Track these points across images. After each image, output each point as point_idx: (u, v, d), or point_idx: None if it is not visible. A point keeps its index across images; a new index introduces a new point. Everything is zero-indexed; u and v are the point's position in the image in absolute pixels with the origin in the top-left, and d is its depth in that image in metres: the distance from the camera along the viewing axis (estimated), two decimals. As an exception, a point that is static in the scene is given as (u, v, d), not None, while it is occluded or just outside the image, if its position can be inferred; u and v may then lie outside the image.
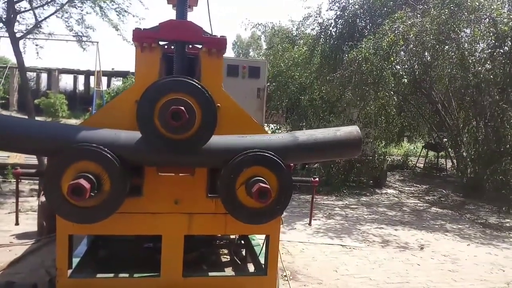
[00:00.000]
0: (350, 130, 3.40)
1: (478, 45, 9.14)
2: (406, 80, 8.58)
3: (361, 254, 5.72)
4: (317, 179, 3.87)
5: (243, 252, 4.98)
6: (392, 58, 8.28)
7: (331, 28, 11.84)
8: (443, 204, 9.80)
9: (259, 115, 5.41)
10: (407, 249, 6.03)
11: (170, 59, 3.63)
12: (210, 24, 4.13)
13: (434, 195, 10.92)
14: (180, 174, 3.41)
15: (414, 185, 12.47)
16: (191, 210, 3.47)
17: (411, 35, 8.49)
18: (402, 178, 13.78)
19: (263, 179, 3.06)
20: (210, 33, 3.71)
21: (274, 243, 3.70)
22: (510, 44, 8.64)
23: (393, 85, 8.34)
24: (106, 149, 2.92)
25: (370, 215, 8.11)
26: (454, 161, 11.70)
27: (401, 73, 8.36)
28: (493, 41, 8.97)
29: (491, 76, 8.67)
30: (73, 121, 22.07)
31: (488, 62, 9.10)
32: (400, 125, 14.14)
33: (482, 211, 9.12)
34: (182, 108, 2.88)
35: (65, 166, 2.89)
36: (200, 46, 3.60)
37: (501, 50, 8.86)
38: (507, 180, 8.10)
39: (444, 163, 15.81)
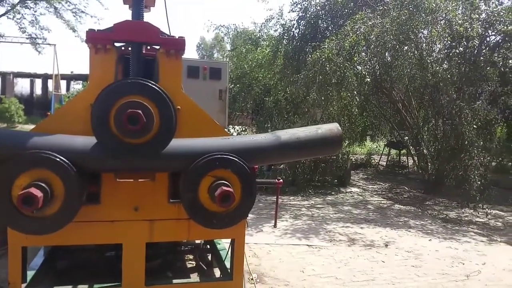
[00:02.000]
0: (331, 127, 3.43)
1: (435, 46, 9.41)
2: (369, 80, 8.72)
3: (328, 253, 5.74)
4: (281, 180, 3.87)
5: (209, 257, 4.90)
6: (355, 58, 8.39)
7: (293, 29, 11.92)
8: (406, 201, 10.03)
9: (222, 117, 5.32)
10: (372, 247, 6.11)
11: (127, 61, 3.51)
12: (168, 25, 4.03)
13: (397, 192, 11.18)
14: (140, 180, 3.29)
15: (378, 183, 12.73)
16: (152, 216, 3.35)
17: (372, 36, 8.65)
18: (365, 176, 14.04)
19: (226, 182, 3.00)
20: (168, 33, 3.61)
21: (239, 247, 3.64)
22: (465, 44, 8.93)
23: (356, 85, 8.46)
24: (59, 156, 2.77)
25: (336, 214, 8.19)
26: (415, 158, 12.02)
27: (363, 73, 8.47)
28: (449, 42, 9.27)
29: (448, 76, 8.94)
30: (30, 127, 21.28)
31: (445, 62, 9.38)
32: (362, 124, 14.43)
33: (442, 207, 9.40)
34: (139, 111, 2.78)
35: (15, 174, 2.72)
36: (158, 47, 3.50)
37: (457, 51, 9.15)
38: (467, 175, 8.35)
39: (406, 160, 16.24)
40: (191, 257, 5.06)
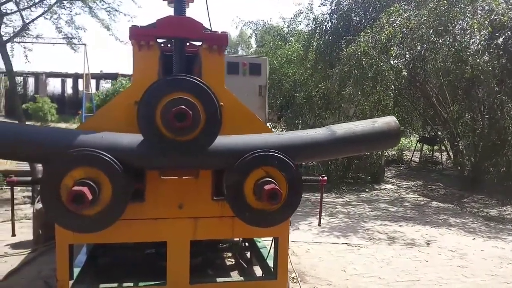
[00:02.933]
0: (388, 121, 3.33)
1: (475, 37, 9.04)
2: (405, 73, 8.47)
3: (368, 252, 5.59)
4: (325, 178, 3.75)
5: (248, 255, 4.84)
6: (391, 52, 8.15)
7: (325, 23, 11.70)
8: (443, 198, 9.72)
9: (262, 113, 5.24)
10: (414, 246, 5.91)
11: (167, 57, 3.48)
12: (209, 20, 3.96)
13: (433, 189, 10.85)
14: (184, 177, 3.26)
15: (411, 179, 12.39)
16: (196, 214, 3.32)
17: (408, 28, 8.37)
18: (398, 173, 13.70)
19: (272, 180, 2.92)
20: (210, 29, 3.55)
21: (283, 245, 3.57)
22: (509, 34, 8.53)
23: (393, 78, 8.22)
24: (106, 154, 2.75)
25: (372, 211, 8.00)
26: (451, 154, 11.64)
27: (400, 66, 8.23)
28: (489, 33, 8.89)
29: (490, 68, 8.57)
30: (62, 125, 21.74)
31: (486, 54, 9.00)
32: (395, 119, 14.06)
33: (482, 204, 9.04)
34: (186, 108, 2.73)
35: (63, 172, 2.72)
36: (199, 43, 3.45)
37: (498, 41, 8.76)
38: (510, 172, 8.01)
39: (440, 156, 15.77)
40: (229, 254, 5.03)
